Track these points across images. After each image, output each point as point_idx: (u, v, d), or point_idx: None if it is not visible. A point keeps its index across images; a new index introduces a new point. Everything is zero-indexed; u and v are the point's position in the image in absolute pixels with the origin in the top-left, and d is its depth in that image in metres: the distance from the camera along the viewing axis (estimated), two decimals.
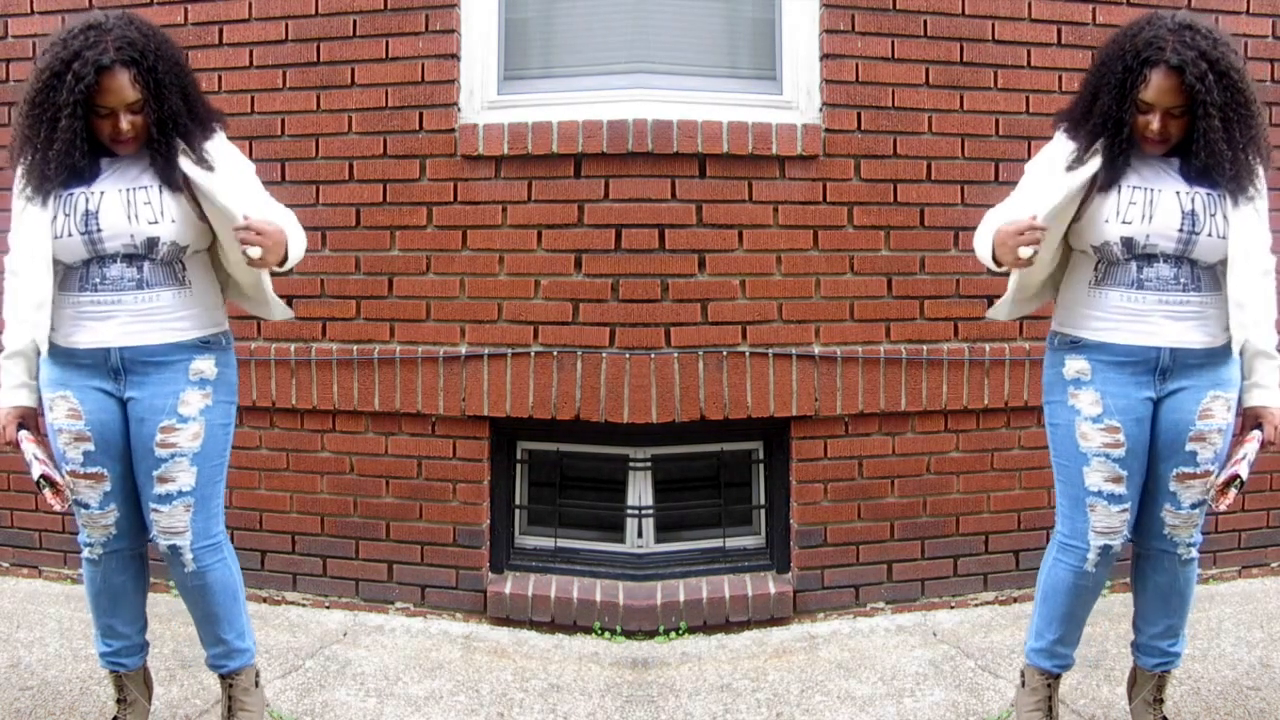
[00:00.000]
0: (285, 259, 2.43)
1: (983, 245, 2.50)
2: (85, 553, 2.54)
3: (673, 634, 3.53)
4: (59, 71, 2.27)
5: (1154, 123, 2.36)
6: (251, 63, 3.70)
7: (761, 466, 3.79)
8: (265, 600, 3.79)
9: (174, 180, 2.39)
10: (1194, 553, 2.55)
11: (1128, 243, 2.41)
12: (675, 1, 3.63)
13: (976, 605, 3.79)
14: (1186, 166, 2.41)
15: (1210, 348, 2.44)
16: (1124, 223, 2.41)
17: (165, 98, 2.35)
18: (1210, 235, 2.38)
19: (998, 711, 2.93)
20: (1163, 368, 2.44)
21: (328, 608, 3.77)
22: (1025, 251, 2.34)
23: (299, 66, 3.67)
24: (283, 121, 3.69)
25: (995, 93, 3.67)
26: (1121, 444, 2.45)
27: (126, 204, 2.38)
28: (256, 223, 2.33)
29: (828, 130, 3.59)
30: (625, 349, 3.51)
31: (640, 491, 3.67)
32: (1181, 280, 2.41)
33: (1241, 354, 2.43)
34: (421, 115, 3.60)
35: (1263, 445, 2.43)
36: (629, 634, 3.50)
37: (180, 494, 2.45)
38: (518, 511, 3.80)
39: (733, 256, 3.57)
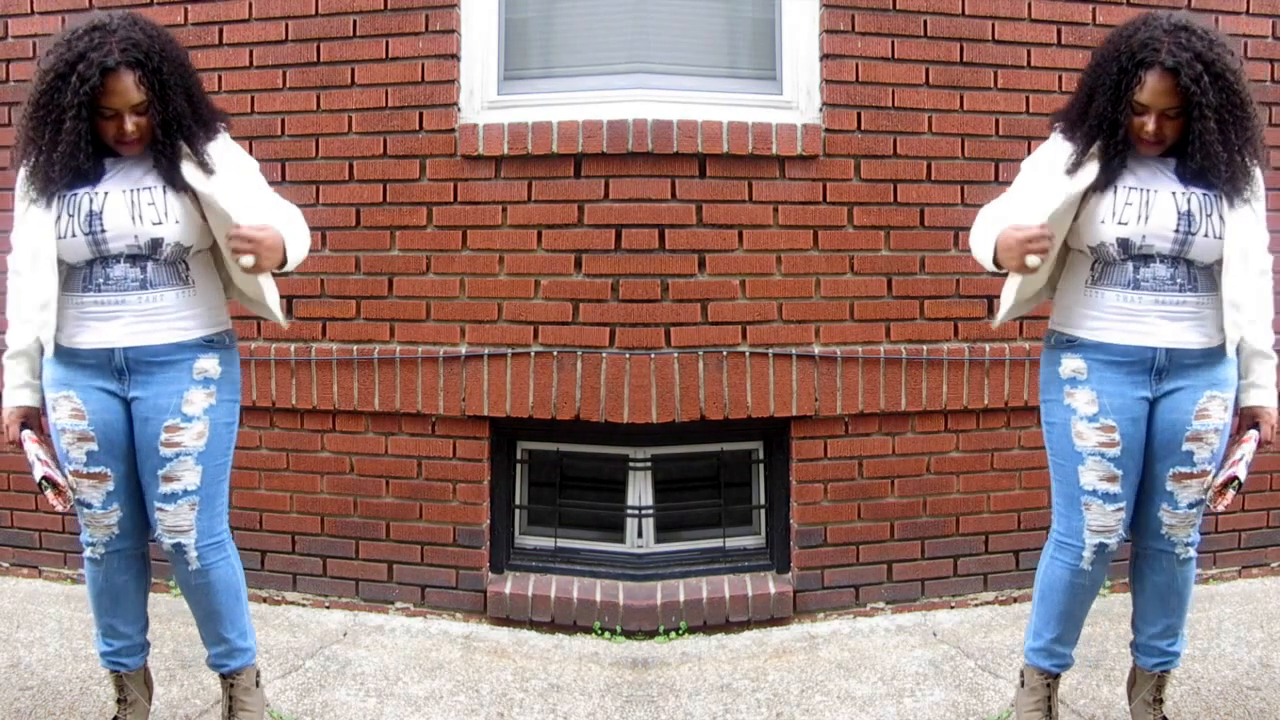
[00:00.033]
0: (284, 261, 2.43)
1: (981, 245, 2.49)
2: (87, 552, 2.54)
3: (673, 634, 3.53)
4: (63, 73, 2.27)
5: (1149, 124, 2.36)
6: (251, 63, 3.70)
7: (761, 466, 3.79)
8: (265, 600, 3.79)
9: (178, 181, 2.40)
10: (1192, 552, 2.55)
11: (1124, 243, 2.41)
12: (675, 1, 3.63)
13: (976, 605, 3.79)
14: (1182, 167, 2.41)
15: (1207, 348, 2.44)
16: (1120, 223, 2.41)
17: (170, 99, 2.34)
18: (1206, 236, 2.38)
19: (998, 711, 2.93)
20: (1159, 368, 2.44)
21: (328, 608, 3.77)
22: (1033, 260, 2.32)
23: (299, 66, 3.67)
24: (283, 121, 3.69)
25: (995, 93, 3.68)
26: (1117, 443, 2.46)
27: (131, 205, 2.38)
28: (246, 231, 2.31)
29: (828, 130, 3.59)
30: (625, 349, 3.51)
31: (640, 491, 3.68)
32: (1178, 280, 2.41)
33: (1238, 354, 2.43)
34: (421, 115, 3.60)
35: (1260, 445, 2.44)
36: (629, 634, 3.50)
37: (185, 493, 2.46)
38: (518, 511, 3.80)
39: (733, 256, 3.57)
